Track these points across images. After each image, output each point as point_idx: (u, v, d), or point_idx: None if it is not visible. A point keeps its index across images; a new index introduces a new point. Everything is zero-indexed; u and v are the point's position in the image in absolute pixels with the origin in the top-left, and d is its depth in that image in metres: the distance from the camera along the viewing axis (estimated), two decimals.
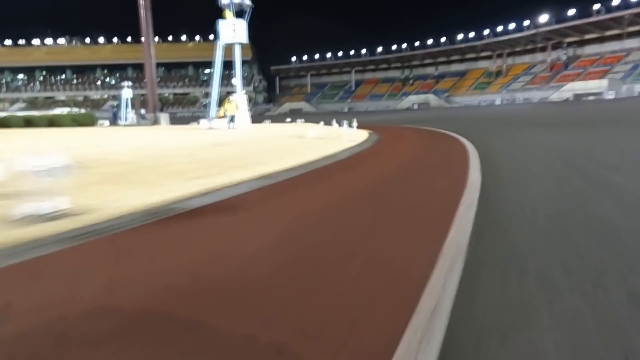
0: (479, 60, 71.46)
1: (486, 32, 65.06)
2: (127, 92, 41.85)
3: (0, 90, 68.55)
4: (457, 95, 65.89)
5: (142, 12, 28.14)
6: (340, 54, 78.59)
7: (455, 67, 74.29)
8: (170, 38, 72.32)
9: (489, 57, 69.99)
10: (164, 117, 29.97)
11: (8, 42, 68.22)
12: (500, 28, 63.54)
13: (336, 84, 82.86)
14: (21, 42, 68.27)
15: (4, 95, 70.01)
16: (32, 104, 67.76)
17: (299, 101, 74.58)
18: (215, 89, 25.46)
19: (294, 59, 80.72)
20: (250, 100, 77.53)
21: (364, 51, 77.53)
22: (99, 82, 70.78)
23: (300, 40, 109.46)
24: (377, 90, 76.10)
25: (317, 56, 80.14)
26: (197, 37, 72.88)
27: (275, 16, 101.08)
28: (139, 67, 73.67)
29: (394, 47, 75.82)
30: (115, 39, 71.53)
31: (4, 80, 70.73)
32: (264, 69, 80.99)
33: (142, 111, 32.96)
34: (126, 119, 39.05)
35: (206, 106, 73.12)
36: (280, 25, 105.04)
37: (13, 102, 67.86)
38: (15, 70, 71.21)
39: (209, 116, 23.20)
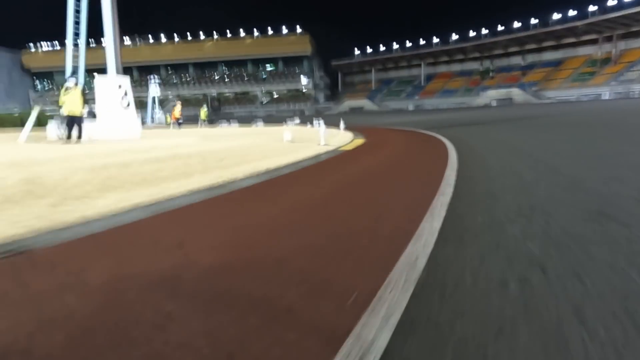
0: (579, 46, 61.18)
1: (592, 8, 55.24)
2: (154, 90, 40.96)
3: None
4: (550, 89, 56.53)
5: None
6: (408, 44, 73.64)
7: (549, 56, 64.24)
8: (229, 34, 73.53)
9: (593, 42, 59.56)
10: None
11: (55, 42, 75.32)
12: (611, 2, 53.42)
13: (404, 79, 77.44)
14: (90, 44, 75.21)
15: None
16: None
17: (361, 99, 71.12)
18: None
19: (357, 52, 77.71)
20: (308, 98, 76.93)
21: (436, 40, 71.63)
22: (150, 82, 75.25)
23: (363, 30, 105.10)
24: (450, 85, 69.26)
25: (382, 48, 76.20)
26: (255, 32, 73.25)
27: (336, 5, 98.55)
28: (200, 66, 76.58)
29: (472, 33, 68.75)
30: (176, 37, 74.08)
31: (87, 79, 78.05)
32: (326, 64, 79.04)
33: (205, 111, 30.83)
34: (152, 120, 38.25)
35: (263, 104, 74.15)
36: (342, 15, 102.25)
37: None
38: (90, 72, 77.99)
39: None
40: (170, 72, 75.26)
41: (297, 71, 74.00)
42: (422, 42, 71.54)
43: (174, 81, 73.36)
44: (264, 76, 72.92)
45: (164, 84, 73.77)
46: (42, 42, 74.56)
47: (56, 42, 75.16)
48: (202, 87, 72.03)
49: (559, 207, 2.46)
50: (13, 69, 75.71)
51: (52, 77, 76.64)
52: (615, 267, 1.54)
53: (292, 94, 71.52)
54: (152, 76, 45.35)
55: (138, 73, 75.43)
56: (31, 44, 75.13)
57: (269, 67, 74.82)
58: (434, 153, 6.19)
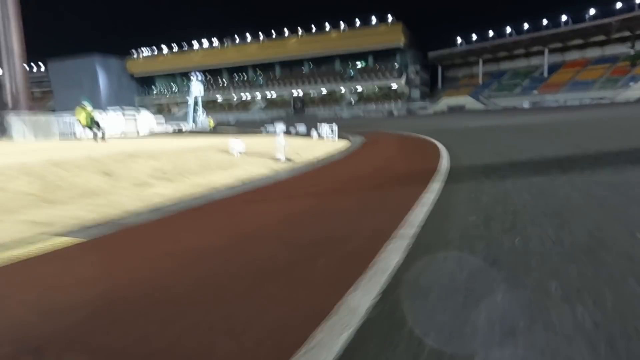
0: None
1: None
2: (196, 87, 41.26)
3: (169, 94, 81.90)
4: None
5: None
6: (526, 26, 62.42)
7: None
8: (313, 29, 71.10)
9: None
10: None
11: (154, 47, 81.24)
12: None
13: (520, 70, 66.07)
14: (171, 47, 79.95)
15: (166, 101, 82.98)
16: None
17: (463, 95, 62.60)
18: None
19: (460, 40, 68.83)
20: (400, 96, 70.79)
21: (564, 18, 59.38)
22: (241, 83, 76.60)
23: (468, 14, 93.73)
24: (584, 75, 56.42)
25: (492, 34, 66.08)
26: (342, 25, 69.62)
27: None
28: (286, 65, 75.95)
29: (618, 4, 54.15)
30: (261, 36, 73.61)
31: (170, 83, 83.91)
32: (423, 57, 71.73)
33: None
34: (195, 123, 38.16)
35: (352, 104, 70.28)
36: None
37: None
38: (178, 75, 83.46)
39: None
40: (257, 73, 76.39)
41: (388, 66, 68.72)
42: (545, 22, 60.25)
43: (260, 82, 74.13)
44: (351, 73, 69.16)
45: (250, 85, 75.22)
46: (142, 49, 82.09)
47: (154, 47, 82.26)
48: (288, 87, 71.35)
49: None
50: (122, 75, 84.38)
51: (152, 81, 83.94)
52: None
53: (383, 93, 66.44)
54: (193, 73, 45.81)
55: (228, 74, 78.25)
56: (134, 51, 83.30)
57: (358, 64, 70.93)
58: None
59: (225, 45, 75.21)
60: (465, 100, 59.96)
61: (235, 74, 76.70)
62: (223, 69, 76.51)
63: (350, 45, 67.13)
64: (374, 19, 67.11)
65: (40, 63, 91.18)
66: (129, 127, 27.56)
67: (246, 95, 73.61)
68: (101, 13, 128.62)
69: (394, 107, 62.72)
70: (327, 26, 69.37)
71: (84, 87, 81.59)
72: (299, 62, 72.99)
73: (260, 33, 73.44)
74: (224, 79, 77.46)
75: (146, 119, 30.70)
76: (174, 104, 78.93)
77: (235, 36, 74.52)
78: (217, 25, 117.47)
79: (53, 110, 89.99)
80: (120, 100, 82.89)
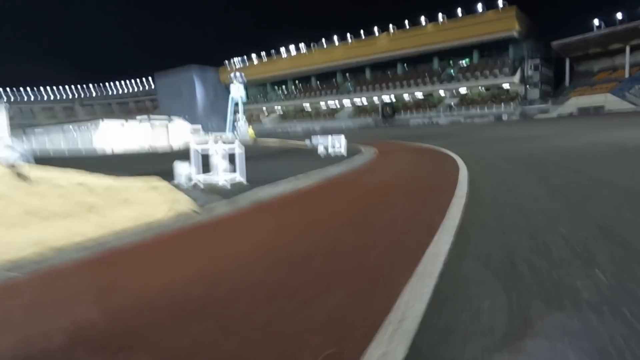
0: None
1: None
2: (236, 91, 39.25)
3: (258, 102, 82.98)
4: None
5: None
6: None
7: None
8: (407, 24, 63.91)
9: None
10: None
11: (244, 56, 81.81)
12: None
13: None
14: (257, 54, 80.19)
15: (259, 107, 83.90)
16: (285, 115, 77.86)
17: (601, 93, 50.39)
18: None
19: (597, 23, 55.99)
20: (512, 98, 60.28)
21: None
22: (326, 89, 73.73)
23: None
24: None
25: None
26: (440, 17, 61.90)
27: None
28: (376, 67, 70.95)
29: None
30: (349, 38, 69.61)
31: (260, 92, 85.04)
32: (545, 48, 60.30)
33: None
34: (234, 130, 35.17)
35: (451, 108, 62.31)
36: None
37: (270, 112, 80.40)
38: (268, 84, 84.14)
39: None
40: (346, 77, 73.09)
41: (497, 62, 59.25)
42: None
43: (349, 88, 70.61)
44: (452, 73, 61.33)
45: (338, 91, 72.23)
46: (234, 59, 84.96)
47: (245, 57, 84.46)
48: (379, 92, 66.45)
49: None
50: (217, 85, 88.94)
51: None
52: None
53: (491, 94, 57.39)
54: (234, 74, 44.92)
55: (316, 81, 76.51)
56: (226, 61, 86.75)
57: (460, 62, 62.81)
58: None
59: (312, 49, 73.57)
60: (604, 99, 48.04)
61: (322, 80, 74.60)
62: (311, 75, 74.99)
63: (451, 39, 59.19)
64: (479, 6, 58.11)
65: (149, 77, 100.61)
66: (159, 139, 25.34)
67: (335, 102, 70.82)
68: (200, 24, 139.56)
69: (505, 110, 53.40)
70: (423, 20, 62.19)
71: (183, 98, 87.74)
72: (390, 64, 67.18)
73: (348, 34, 69.92)
74: (312, 86, 76.00)
75: (180, 129, 28.05)
76: (263, 113, 79.97)
77: (322, 40, 72.51)
78: (305, 29, 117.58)
79: None
80: (215, 110, 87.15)
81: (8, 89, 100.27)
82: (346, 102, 69.67)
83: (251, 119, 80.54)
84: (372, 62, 68.01)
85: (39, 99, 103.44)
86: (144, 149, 22.13)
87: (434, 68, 63.60)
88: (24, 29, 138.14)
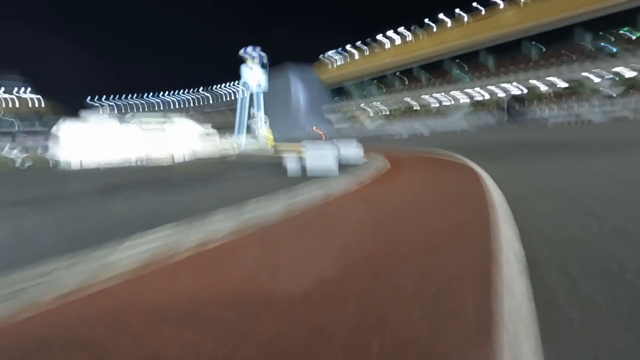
0: None
1: None
2: (252, 75, 35.35)
3: (358, 101, 77.04)
4: None
5: None
6: None
7: None
8: None
9: None
10: None
11: (341, 50, 74.79)
12: None
13: None
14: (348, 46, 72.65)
15: (360, 107, 77.59)
16: (391, 114, 70.90)
17: None
18: None
19: None
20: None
21: None
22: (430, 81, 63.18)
23: None
24: None
25: None
26: None
27: None
28: (501, 50, 58.65)
29: None
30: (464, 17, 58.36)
31: (361, 90, 78.70)
32: None
33: None
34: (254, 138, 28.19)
35: (611, 97, 47.75)
36: None
37: (374, 113, 74.04)
38: (368, 80, 77.39)
39: None
40: (460, 66, 62.70)
41: None
42: None
43: (465, 78, 60.25)
44: (611, 49, 47.14)
45: (451, 82, 62.42)
46: (330, 53, 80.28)
47: (343, 51, 79.12)
48: (502, 80, 55.01)
49: None
50: (316, 83, 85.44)
51: (343, 89, 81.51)
52: None
53: None
54: (245, 50, 33.33)
55: (423, 72, 67.44)
56: (323, 57, 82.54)
57: (621, 32, 48.05)
58: None
59: (420, 36, 64.59)
60: None
61: (431, 70, 65.31)
62: (417, 67, 66.34)
63: (604, 0, 45.42)
64: None
65: None
66: (155, 147, 19.78)
67: (447, 98, 61.29)
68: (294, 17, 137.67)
69: None
70: None
71: (282, 99, 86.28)
72: (516, 44, 54.72)
73: (460, 12, 58.88)
74: (418, 78, 67.36)
75: (185, 133, 21.26)
76: (365, 114, 74.15)
77: (430, 23, 63.08)
78: (409, 12, 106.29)
79: None
80: (314, 111, 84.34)
81: (128, 97, 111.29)
82: (461, 96, 59.62)
83: (354, 121, 75.56)
84: (494, 44, 56.63)
85: (158, 107, 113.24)
86: (129, 161, 17.09)
87: (581, 44, 49.91)
88: (140, 39, 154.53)
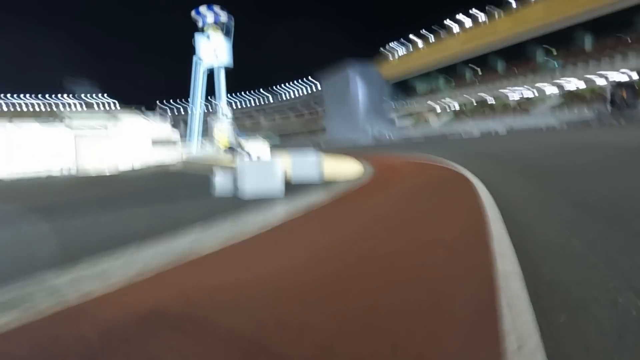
0: None
1: None
2: (207, 47, 27.34)
3: (425, 97, 69.21)
4: None
5: None
6: None
7: None
8: None
9: None
10: None
11: (404, 40, 66.31)
12: None
13: None
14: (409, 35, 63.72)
15: (427, 103, 69.46)
16: (461, 111, 62.60)
17: None
18: None
19: None
20: None
21: None
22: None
23: None
24: None
25: None
26: None
27: None
28: (604, 27, 47.70)
29: None
30: None
31: (428, 85, 70.70)
32: None
33: None
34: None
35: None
36: None
37: (442, 110, 65.98)
38: (435, 72, 69.49)
39: None
40: (547, 50, 52.61)
41: None
42: None
43: (555, 65, 50.21)
44: None
45: (535, 68, 52.69)
46: (393, 45, 73.36)
47: (406, 41, 71.79)
48: (603, 66, 44.47)
49: None
50: (379, 81, 79.03)
51: (408, 84, 74.31)
52: None
53: None
54: (198, 11, 21.90)
55: (499, 60, 58.00)
56: (384, 50, 75.87)
57: None
58: None
59: (496, 16, 55.10)
60: None
61: (510, 59, 55.77)
62: (491, 53, 57.10)
63: None
64: None
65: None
66: (93, 155, 14.23)
67: (530, 89, 51.66)
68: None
69: None
70: None
71: (343, 99, 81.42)
72: (626, 18, 43.01)
73: None
74: (494, 68, 58.25)
75: (136, 139, 15.64)
76: (432, 112, 66.52)
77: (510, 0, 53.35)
78: None
79: (323, 129, 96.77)
80: (376, 110, 78.10)
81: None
82: (549, 88, 49.77)
83: (419, 120, 68.30)
84: (592, 21, 46.16)
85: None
86: (52, 172, 12.80)
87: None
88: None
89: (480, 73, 60.66)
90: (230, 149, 21.12)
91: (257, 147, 21.58)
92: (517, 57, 54.04)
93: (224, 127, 20.60)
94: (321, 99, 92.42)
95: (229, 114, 22.93)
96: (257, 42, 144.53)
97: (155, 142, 16.51)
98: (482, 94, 57.28)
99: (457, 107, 61.73)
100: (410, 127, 67.23)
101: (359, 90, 78.43)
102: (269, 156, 20.98)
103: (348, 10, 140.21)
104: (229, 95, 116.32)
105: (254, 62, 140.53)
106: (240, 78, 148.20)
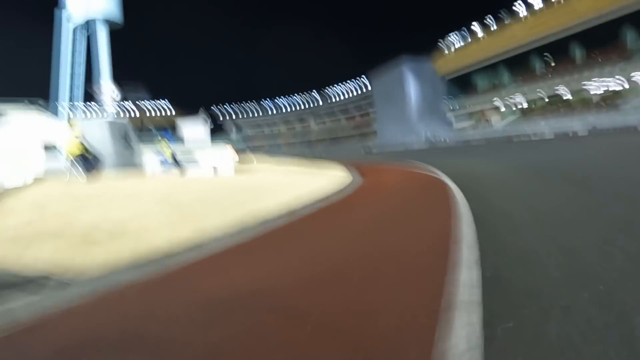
0: None
1: None
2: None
3: (488, 95, 60.96)
4: None
5: None
6: None
7: None
8: None
9: None
10: None
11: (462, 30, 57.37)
12: None
13: None
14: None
15: (482, 105, 61.13)
16: (529, 109, 54.32)
17: None
18: None
19: None
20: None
21: None
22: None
23: None
24: None
25: None
26: None
27: None
28: None
29: None
30: None
31: (490, 79, 62.57)
32: None
33: None
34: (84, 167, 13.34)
35: None
36: None
37: (506, 110, 57.66)
38: (498, 64, 60.64)
39: None
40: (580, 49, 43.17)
41: None
42: None
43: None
44: None
45: (627, 55, 43.58)
46: (450, 37, 65.94)
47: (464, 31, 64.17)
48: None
49: None
50: (435, 78, 72.31)
51: (467, 80, 66.77)
52: None
53: None
54: None
55: (578, 47, 49.03)
56: (443, 43, 68.58)
57: None
58: None
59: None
60: None
61: (591, 45, 46.85)
62: (566, 39, 48.37)
63: None
64: None
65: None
66: None
67: (620, 81, 42.66)
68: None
69: None
70: None
71: (396, 99, 75.67)
72: None
73: None
74: (573, 57, 49.50)
75: (27, 140, 12.18)
76: (494, 111, 58.70)
77: None
78: None
79: (374, 131, 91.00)
80: (432, 110, 71.24)
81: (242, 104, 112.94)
82: None
83: (478, 119, 60.79)
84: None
85: (271, 112, 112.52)
86: None
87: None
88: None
89: (553, 63, 52.20)
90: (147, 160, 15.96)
91: (217, 156, 17.10)
92: (600, 43, 45.21)
93: (84, 125, 13.11)
94: (372, 100, 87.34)
95: (116, 96, 16.32)
96: (307, 42, 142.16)
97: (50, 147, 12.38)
98: (556, 88, 48.92)
99: (525, 105, 53.59)
100: (469, 128, 59.96)
101: (412, 88, 72.42)
102: (232, 168, 16.66)
103: (404, 3, 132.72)
104: (280, 97, 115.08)
105: (305, 62, 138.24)
106: (292, 79, 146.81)
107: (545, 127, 44.19)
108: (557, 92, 48.82)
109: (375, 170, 15.49)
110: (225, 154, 17.31)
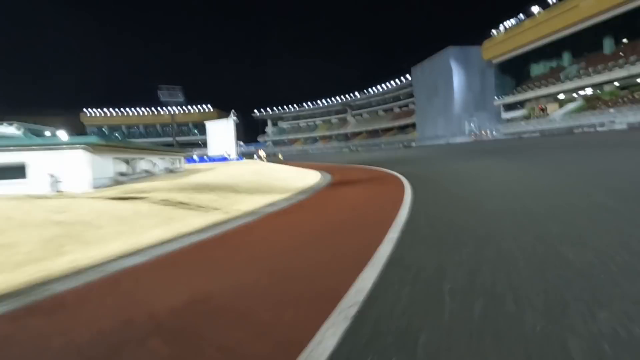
0: None
1: None
2: None
3: (544, 85, 53.18)
4: None
5: None
6: None
7: None
8: None
9: None
10: None
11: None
12: None
13: None
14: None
15: (537, 94, 53.43)
16: (594, 99, 46.56)
17: None
18: None
19: None
20: None
21: None
22: None
23: None
24: None
25: None
26: None
27: None
28: None
29: None
30: None
31: (547, 64, 54.82)
32: None
33: None
34: None
35: None
36: None
37: (567, 98, 49.93)
38: (556, 46, 53.62)
39: None
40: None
41: None
42: None
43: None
44: None
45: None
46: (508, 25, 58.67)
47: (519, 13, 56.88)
48: None
49: None
50: (483, 67, 65.66)
51: (520, 67, 59.35)
52: None
53: None
54: None
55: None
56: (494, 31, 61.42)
57: None
58: None
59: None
60: None
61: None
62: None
63: None
64: None
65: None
66: None
67: None
68: None
69: None
70: None
71: (440, 91, 69.72)
72: None
73: None
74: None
75: None
76: (552, 99, 51.26)
77: None
78: None
79: (413, 124, 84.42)
80: (481, 104, 64.39)
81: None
82: None
83: (531, 111, 53.56)
84: None
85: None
86: None
87: None
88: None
89: (626, 42, 44.38)
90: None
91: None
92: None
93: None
94: (412, 90, 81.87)
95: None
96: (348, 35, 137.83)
97: None
98: (631, 73, 41.25)
99: (590, 92, 46.05)
100: (521, 120, 53.06)
101: (455, 78, 66.40)
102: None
103: None
104: (322, 99, 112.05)
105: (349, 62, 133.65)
106: (335, 81, 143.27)
107: (616, 117, 37.20)
108: (631, 76, 41.12)
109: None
110: None
